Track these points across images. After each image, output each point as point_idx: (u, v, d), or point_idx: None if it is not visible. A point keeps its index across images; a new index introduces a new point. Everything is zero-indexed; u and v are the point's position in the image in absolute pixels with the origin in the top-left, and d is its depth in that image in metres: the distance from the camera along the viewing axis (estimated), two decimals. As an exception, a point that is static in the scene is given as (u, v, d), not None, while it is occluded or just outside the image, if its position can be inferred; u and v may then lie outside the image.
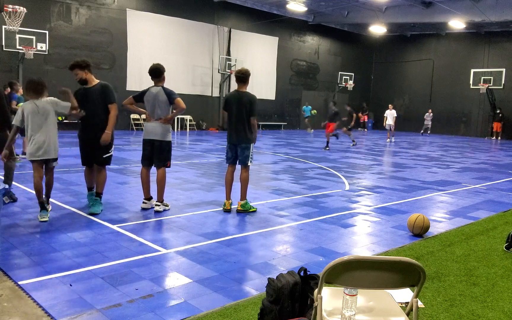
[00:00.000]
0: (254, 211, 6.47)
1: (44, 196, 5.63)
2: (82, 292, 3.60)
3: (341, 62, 31.68)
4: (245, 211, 6.40)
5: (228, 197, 6.50)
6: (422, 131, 29.01)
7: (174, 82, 20.05)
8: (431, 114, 28.76)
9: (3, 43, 17.15)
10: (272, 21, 26.43)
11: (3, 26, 16.44)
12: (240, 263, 4.41)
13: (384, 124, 22.48)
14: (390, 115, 21.98)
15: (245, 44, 25.86)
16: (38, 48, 17.75)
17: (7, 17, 15.53)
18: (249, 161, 6.46)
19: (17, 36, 17.02)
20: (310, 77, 30.15)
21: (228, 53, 25.07)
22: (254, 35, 26.30)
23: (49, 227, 5.28)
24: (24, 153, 9.76)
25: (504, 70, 27.11)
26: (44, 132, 5.44)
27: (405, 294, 3.65)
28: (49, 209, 5.82)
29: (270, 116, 27.72)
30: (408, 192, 8.60)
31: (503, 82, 27.14)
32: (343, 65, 31.67)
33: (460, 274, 4.34)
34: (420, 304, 3.57)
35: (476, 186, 9.67)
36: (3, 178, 6.52)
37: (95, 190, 6.18)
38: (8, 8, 15.18)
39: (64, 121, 18.06)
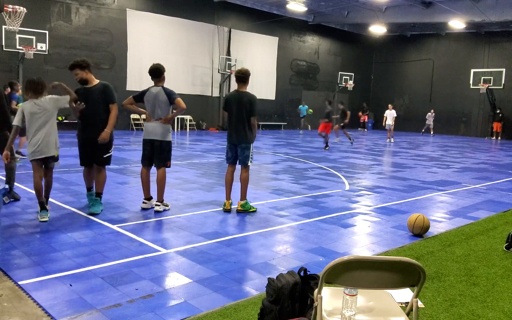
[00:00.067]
0: (254, 211, 6.47)
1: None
2: (82, 292, 3.60)
3: (341, 62, 31.68)
4: (245, 211, 6.40)
5: (228, 197, 6.50)
6: (423, 131, 29.01)
7: (174, 82, 20.05)
8: (433, 114, 28.67)
9: (3, 43, 17.15)
10: (272, 21, 26.43)
11: (3, 26, 16.44)
12: (240, 263, 4.41)
13: (384, 124, 22.49)
14: (389, 115, 21.98)
15: (245, 44, 25.86)
16: (38, 48, 17.75)
17: (7, 17, 15.53)
18: (249, 161, 6.46)
19: (17, 36, 17.02)
20: (310, 77, 30.15)
21: (228, 53, 25.08)
22: (254, 35, 26.30)
23: (49, 227, 5.28)
24: (17, 153, 9.66)
25: (504, 70, 27.11)
26: (43, 131, 5.45)
27: (405, 294, 3.65)
28: (48, 209, 5.82)
29: (270, 116, 27.72)
30: (408, 192, 8.60)
31: (503, 82, 27.14)
32: (343, 65, 31.68)
33: (460, 274, 4.34)
34: (420, 304, 3.57)
35: (476, 186, 9.67)
36: (4, 178, 6.52)
37: (94, 190, 6.18)
38: (8, 8, 15.18)
39: (64, 121, 18.08)
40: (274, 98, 27.84)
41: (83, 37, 19.80)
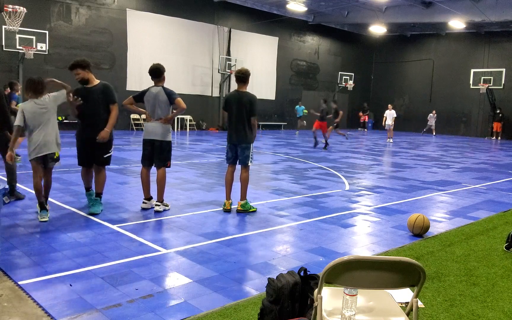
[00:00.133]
0: (254, 211, 6.47)
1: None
2: (82, 292, 3.60)
3: (341, 62, 31.68)
4: (245, 211, 6.40)
5: (228, 197, 6.50)
6: (423, 131, 29.00)
7: (174, 82, 20.05)
8: (435, 115, 28.62)
9: (3, 43, 17.15)
10: (272, 21, 26.43)
11: (3, 26, 16.44)
12: (240, 263, 4.41)
13: (384, 124, 22.49)
14: (389, 115, 21.98)
15: (245, 44, 25.86)
16: (38, 48, 17.76)
17: (7, 17, 15.54)
18: (249, 161, 6.46)
19: (17, 36, 17.02)
20: (310, 77, 30.15)
21: (228, 53, 25.08)
22: (254, 35, 26.30)
23: (49, 227, 5.28)
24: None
25: (504, 70, 27.11)
26: (43, 130, 5.45)
27: (405, 294, 3.65)
28: (48, 209, 5.82)
29: (270, 116, 27.72)
30: (408, 192, 8.60)
31: (503, 82, 27.13)
32: (343, 65, 31.68)
33: (460, 274, 4.34)
34: (420, 304, 3.57)
35: (476, 186, 9.67)
36: (4, 178, 6.52)
37: (94, 190, 6.18)
38: (8, 8, 15.19)
39: (64, 121, 18.07)
40: (274, 98, 27.84)
41: (83, 37, 19.80)
